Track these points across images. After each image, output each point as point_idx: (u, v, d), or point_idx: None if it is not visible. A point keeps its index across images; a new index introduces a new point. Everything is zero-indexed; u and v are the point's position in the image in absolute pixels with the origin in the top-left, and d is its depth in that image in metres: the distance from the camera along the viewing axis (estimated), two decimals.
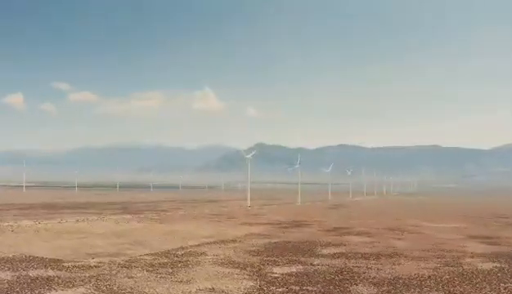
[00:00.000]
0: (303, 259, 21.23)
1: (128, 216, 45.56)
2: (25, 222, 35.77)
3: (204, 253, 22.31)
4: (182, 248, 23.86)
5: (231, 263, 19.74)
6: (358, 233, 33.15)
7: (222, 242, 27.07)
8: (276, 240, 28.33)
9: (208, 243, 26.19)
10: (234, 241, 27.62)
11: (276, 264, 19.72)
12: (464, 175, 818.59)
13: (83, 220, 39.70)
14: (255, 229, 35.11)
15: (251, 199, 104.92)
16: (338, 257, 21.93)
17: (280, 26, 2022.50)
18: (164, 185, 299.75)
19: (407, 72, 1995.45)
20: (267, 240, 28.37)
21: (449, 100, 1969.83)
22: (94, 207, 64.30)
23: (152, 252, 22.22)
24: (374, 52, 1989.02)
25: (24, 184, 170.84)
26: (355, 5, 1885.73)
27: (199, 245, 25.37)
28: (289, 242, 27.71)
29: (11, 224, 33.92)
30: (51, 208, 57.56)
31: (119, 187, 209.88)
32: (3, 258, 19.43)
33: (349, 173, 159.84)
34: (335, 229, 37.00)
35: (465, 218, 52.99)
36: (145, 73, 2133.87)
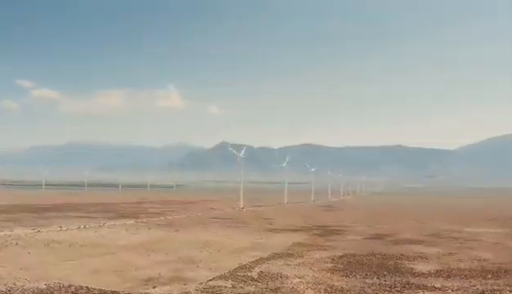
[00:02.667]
0: (413, 280, 17.07)
1: (131, 222, 40.21)
2: (21, 230, 30.01)
3: (283, 275, 17.71)
4: (245, 267, 19.18)
5: (338, 291, 15.26)
6: (415, 242, 29.24)
7: (279, 256, 22.52)
8: (337, 253, 23.97)
9: (265, 259, 21.58)
10: (291, 255, 23.08)
11: (397, 290, 15.39)
12: (428, 175, 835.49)
13: (85, 227, 34.16)
14: (293, 238, 30.71)
15: (232, 199, 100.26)
16: (448, 277, 17.92)
17: (245, 27, 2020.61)
18: (132, 184, 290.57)
19: (371, 73, 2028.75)
20: (326, 253, 24.01)
21: (414, 101, 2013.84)
22: (79, 209, 58.13)
23: (217, 275, 17.46)
24: (336, 53, 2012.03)
25: None
26: (318, 6, 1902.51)
27: (257, 261, 20.73)
28: (355, 255, 23.44)
29: (6, 233, 28.14)
30: (36, 211, 51.14)
31: (87, 186, 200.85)
32: (37, 290, 14.21)
33: (329, 173, 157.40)
34: (378, 236, 32.98)
35: (487, 220, 50.16)
36: (109, 71, 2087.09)
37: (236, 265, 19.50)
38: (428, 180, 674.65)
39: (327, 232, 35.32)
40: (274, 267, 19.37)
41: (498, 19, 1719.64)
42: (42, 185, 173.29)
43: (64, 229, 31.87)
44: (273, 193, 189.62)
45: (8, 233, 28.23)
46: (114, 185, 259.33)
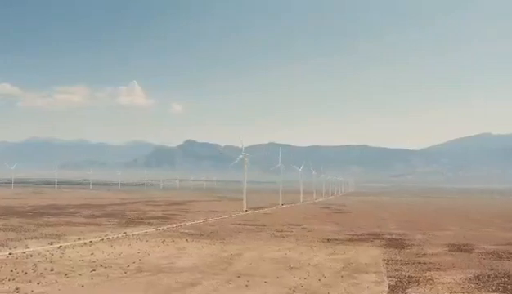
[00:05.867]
0: None
1: (151, 230, 34.18)
2: (38, 246, 23.54)
3: None
4: None
5: None
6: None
7: (410, 282, 17.33)
8: (461, 274, 18.97)
9: (401, 287, 16.40)
10: (418, 279, 17.96)
11: None
12: (393, 175, 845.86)
13: (108, 238, 27.95)
14: (369, 252, 25.82)
15: (212, 199, 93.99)
16: None
17: (211, 27, 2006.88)
18: (102, 183, 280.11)
19: (338, 73, 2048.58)
20: (449, 273, 18.95)
21: (379, 102, 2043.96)
22: (73, 212, 51.21)
23: None
24: (303, 53, 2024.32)
25: None
26: (286, 5, 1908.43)
27: (399, 292, 15.45)
28: (489, 275, 18.69)
29: (24, 251, 21.65)
30: (27, 216, 43.96)
31: (57, 184, 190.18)
32: None
33: (314, 172, 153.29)
34: (460, 247, 28.25)
35: None
36: (71, 68, 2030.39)
37: None
38: (394, 180, 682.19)
39: (394, 243, 30.34)
40: None
41: (465, 20, 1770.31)
42: (9, 183, 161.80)
43: (86, 242, 25.64)
44: (251, 193, 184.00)
45: (26, 250, 21.80)
46: (82, 183, 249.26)
